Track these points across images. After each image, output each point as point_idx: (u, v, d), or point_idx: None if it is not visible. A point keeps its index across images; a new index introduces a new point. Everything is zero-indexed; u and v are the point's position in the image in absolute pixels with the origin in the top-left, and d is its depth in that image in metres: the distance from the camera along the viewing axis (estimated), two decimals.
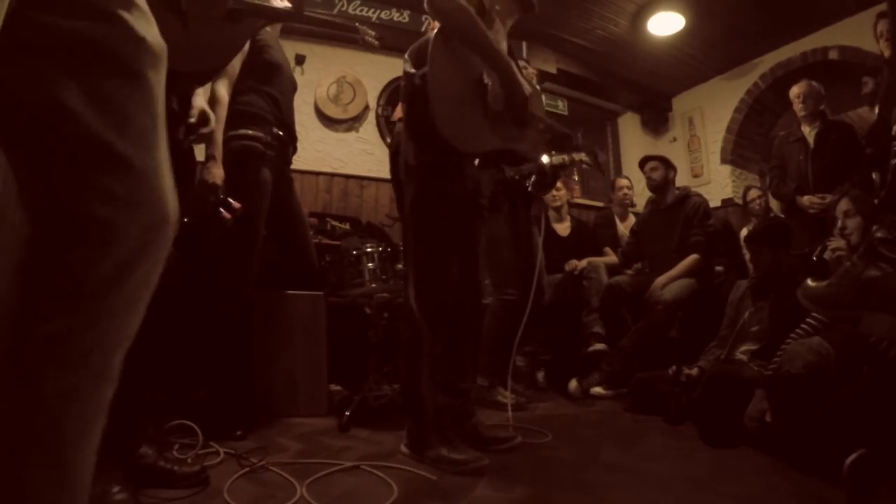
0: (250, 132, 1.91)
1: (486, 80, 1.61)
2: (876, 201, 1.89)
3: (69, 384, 0.53)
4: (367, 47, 2.22)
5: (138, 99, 0.57)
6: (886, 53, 2.58)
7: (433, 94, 1.48)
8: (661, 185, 3.18)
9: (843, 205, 2.00)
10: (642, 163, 3.30)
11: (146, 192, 0.57)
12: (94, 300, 0.54)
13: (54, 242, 0.53)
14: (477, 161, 1.74)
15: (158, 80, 0.60)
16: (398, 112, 1.77)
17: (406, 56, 1.62)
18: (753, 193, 4.07)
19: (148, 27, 0.59)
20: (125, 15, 0.56)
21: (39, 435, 0.52)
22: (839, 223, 1.97)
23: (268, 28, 2.03)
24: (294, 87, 2.18)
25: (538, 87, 1.92)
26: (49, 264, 0.53)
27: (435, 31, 1.55)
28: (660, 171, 3.17)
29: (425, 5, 1.54)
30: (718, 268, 3.34)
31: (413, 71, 1.58)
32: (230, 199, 1.71)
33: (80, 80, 0.53)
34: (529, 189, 2.53)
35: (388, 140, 4.14)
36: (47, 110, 0.52)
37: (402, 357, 1.69)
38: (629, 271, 3.47)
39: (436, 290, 1.63)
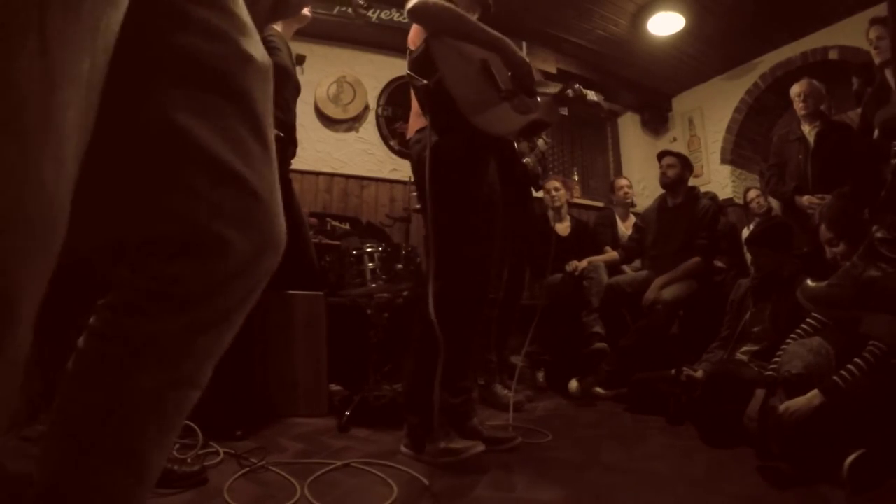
0: None
1: (489, 63, 1.63)
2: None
3: (158, 383, 0.55)
4: (357, 14, 2.24)
5: (243, 117, 0.57)
6: (877, 60, 2.60)
7: (455, 92, 1.50)
8: (675, 184, 3.14)
9: (824, 233, 1.98)
10: (660, 156, 3.26)
11: (260, 214, 0.57)
12: (196, 308, 0.55)
13: (165, 248, 0.53)
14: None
15: (265, 98, 0.60)
16: (413, 126, 1.77)
17: (409, 72, 1.63)
18: (753, 193, 4.07)
19: (256, 46, 0.59)
20: (235, 35, 0.57)
21: (120, 429, 0.53)
22: (828, 253, 1.97)
23: (277, 28, 2.03)
24: (298, 91, 2.19)
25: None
26: (158, 268, 0.54)
27: (424, 39, 1.56)
28: (676, 168, 3.13)
29: (407, 15, 1.57)
30: (719, 264, 3.33)
31: (425, 81, 1.58)
32: None
33: (188, 94, 0.53)
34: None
35: (390, 141, 4.16)
36: (156, 123, 0.52)
37: (414, 356, 1.68)
38: (628, 268, 3.46)
39: (466, 291, 1.62)
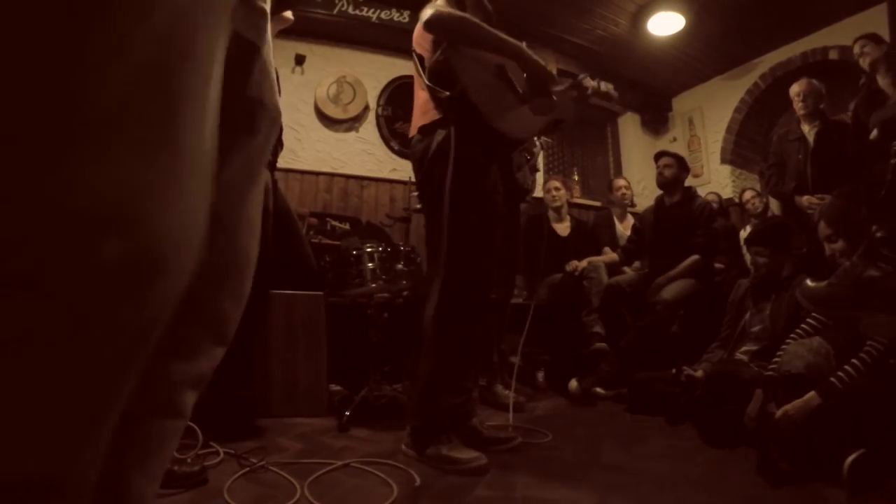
0: None
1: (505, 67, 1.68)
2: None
3: (128, 414, 0.54)
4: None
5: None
6: (865, 63, 2.68)
7: (477, 101, 1.55)
8: (671, 184, 3.15)
9: (823, 229, 1.98)
10: (657, 156, 3.27)
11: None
12: (113, 323, 0.53)
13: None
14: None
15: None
16: (415, 124, 1.78)
17: (427, 84, 1.65)
18: (749, 195, 4.07)
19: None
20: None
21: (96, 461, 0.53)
22: (826, 250, 1.97)
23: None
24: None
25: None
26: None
27: (442, 50, 1.59)
28: (673, 169, 3.14)
29: (423, 27, 1.59)
30: (719, 265, 3.34)
31: (447, 93, 1.60)
32: None
33: None
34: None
35: (390, 141, 4.16)
36: None
37: (421, 355, 1.68)
38: (628, 269, 3.46)
39: (470, 291, 1.63)
